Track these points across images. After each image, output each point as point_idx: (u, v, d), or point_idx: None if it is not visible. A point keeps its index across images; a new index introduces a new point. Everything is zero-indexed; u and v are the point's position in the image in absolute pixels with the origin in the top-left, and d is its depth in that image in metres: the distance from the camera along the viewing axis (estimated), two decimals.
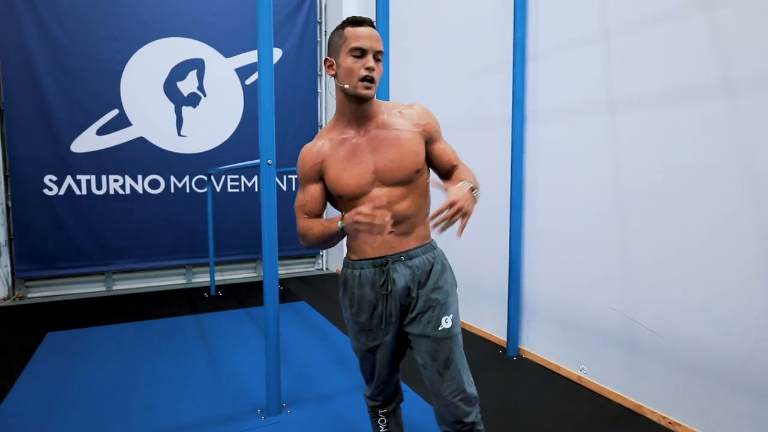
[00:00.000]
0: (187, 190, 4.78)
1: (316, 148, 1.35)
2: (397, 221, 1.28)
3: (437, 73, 3.66)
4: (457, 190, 1.15)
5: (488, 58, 3.10)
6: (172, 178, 4.70)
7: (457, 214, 1.12)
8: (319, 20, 5.26)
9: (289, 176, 5.28)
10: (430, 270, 1.35)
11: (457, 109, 3.42)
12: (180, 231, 4.77)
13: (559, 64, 2.56)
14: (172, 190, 4.72)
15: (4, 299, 4.21)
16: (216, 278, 4.66)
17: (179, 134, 4.70)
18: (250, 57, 4.92)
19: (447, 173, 1.39)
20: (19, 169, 4.17)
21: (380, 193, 1.28)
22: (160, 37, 4.52)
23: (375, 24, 1.26)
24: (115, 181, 4.49)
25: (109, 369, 2.71)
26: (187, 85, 4.69)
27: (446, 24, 3.55)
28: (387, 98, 2.36)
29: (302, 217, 1.38)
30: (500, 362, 2.77)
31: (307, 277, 5.25)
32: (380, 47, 1.24)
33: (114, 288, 4.65)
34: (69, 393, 2.41)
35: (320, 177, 1.35)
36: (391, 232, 1.22)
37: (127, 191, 4.53)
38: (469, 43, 3.30)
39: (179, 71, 4.65)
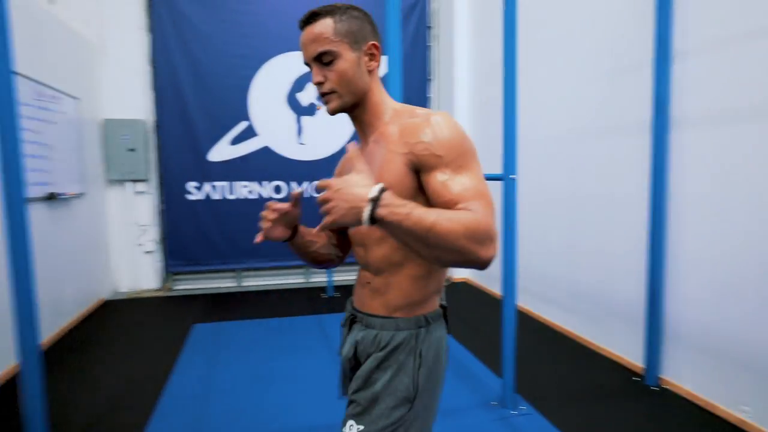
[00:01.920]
0: (306, 195, 5.08)
1: (345, 157, 1.15)
2: (375, 271, 1.01)
3: (563, 74, 3.46)
4: (348, 182, 0.77)
5: (622, 56, 2.86)
6: (293, 184, 5.04)
7: (321, 205, 0.78)
8: (429, 25, 5.26)
9: None
10: (372, 352, 0.99)
11: (584, 113, 3.21)
12: None
13: (714, 63, 2.27)
14: None
15: (157, 290, 4.84)
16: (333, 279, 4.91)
17: (299, 142, 5.02)
18: None
19: None
20: (169, 177, 4.75)
21: (363, 228, 0.93)
22: (282, 52, 4.85)
23: (335, 12, 0.93)
24: (244, 186, 4.93)
25: (247, 362, 2.98)
26: (306, 95, 4.98)
27: (573, 21, 3.34)
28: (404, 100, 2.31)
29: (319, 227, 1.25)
30: (638, 392, 2.54)
31: None
32: (319, 48, 0.92)
33: (243, 284, 5.11)
34: (216, 383, 2.70)
35: None
36: (368, 283, 1.03)
37: (255, 196, 4.95)
38: (599, 41, 3.07)
39: (300, 83, 4.95)
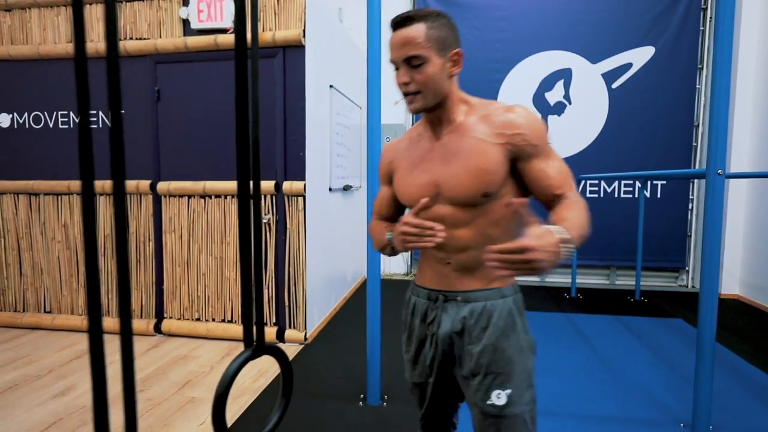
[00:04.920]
0: None
1: (393, 146, 1.22)
2: (457, 250, 1.08)
3: None
4: (541, 236, 0.84)
5: None
6: None
7: (525, 265, 0.82)
8: (704, 6, 4.67)
9: (654, 182, 4.91)
10: (487, 324, 1.07)
11: None
12: None
13: None
14: None
15: (405, 275, 5.47)
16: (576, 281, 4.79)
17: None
18: (618, 60, 4.81)
19: (547, 204, 1.06)
20: None
21: (443, 211, 1.07)
22: (532, 53, 4.94)
23: (428, 18, 0.99)
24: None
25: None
26: (555, 94, 4.96)
27: None
28: None
29: (374, 217, 1.30)
30: None
31: (668, 293, 4.78)
32: (410, 52, 0.99)
33: None
34: None
35: (390, 179, 1.21)
36: (448, 263, 1.09)
37: None
38: None
39: (547, 82, 4.96)
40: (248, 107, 0.82)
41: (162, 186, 3.25)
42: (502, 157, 1.01)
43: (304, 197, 3.13)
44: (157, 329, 3.34)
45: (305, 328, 3.21)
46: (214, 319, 3.31)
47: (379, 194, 1.27)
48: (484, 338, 1.07)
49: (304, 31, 2.99)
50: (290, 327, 3.22)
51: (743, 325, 3.73)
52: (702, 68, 4.74)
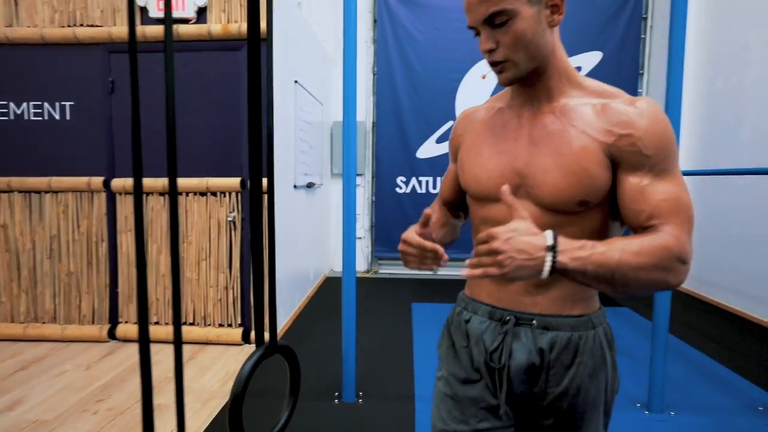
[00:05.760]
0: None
1: (468, 116, 0.98)
2: None
3: None
4: (518, 230, 0.68)
5: None
6: None
7: (488, 257, 0.68)
8: (644, 15, 5.00)
9: None
10: (572, 360, 0.84)
11: None
12: None
13: None
14: None
15: (365, 272, 5.48)
16: None
17: None
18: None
19: (636, 229, 0.77)
20: (381, 172, 5.34)
21: (525, 208, 0.81)
22: None
23: None
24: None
25: None
26: None
27: None
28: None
29: (438, 199, 1.09)
30: None
31: None
32: (491, 8, 0.75)
33: (438, 273, 5.48)
34: None
35: (457, 155, 0.98)
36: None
37: None
38: None
39: None
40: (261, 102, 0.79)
41: (117, 183, 3.07)
42: (604, 158, 0.76)
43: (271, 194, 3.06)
44: (111, 335, 3.16)
45: None
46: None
47: (446, 172, 1.05)
48: (566, 379, 0.83)
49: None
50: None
51: (691, 315, 4.05)
52: (643, 73, 5.08)
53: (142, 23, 3.00)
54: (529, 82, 0.82)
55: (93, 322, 3.19)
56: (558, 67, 0.81)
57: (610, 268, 0.67)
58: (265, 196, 2.92)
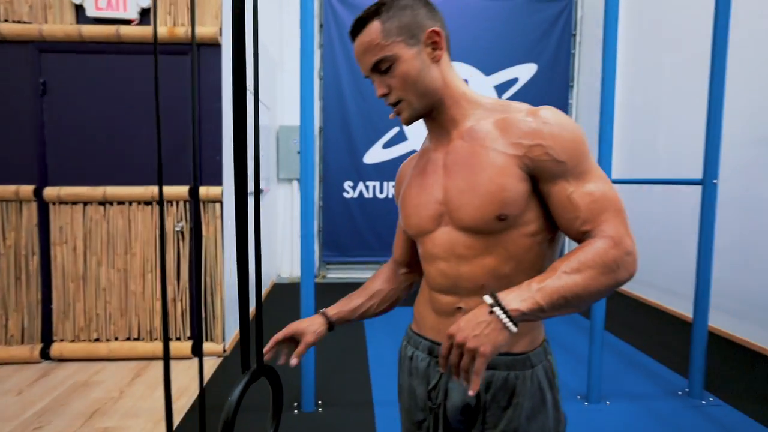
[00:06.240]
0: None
1: (407, 165, 1.01)
2: (469, 292, 0.83)
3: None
4: (465, 319, 0.68)
5: None
6: None
7: (461, 353, 0.67)
8: (573, 32, 5.38)
9: None
10: (509, 402, 0.82)
11: None
12: None
13: None
14: None
15: (314, 277, 5.44)
16: None
17: None
18: (507, 74, 5.33)
19: (576, 237, 0.77)
20: (329, 177, 5.34)
21: (449, 237, 0.83)
22: None
23: (380, 11, 0.81)
24: (393, 186, 5.38)
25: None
26: None
27: None
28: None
29: (389, 263, 1.13)
30: None
31: None
32: (373, 58, 0.81)
33: None
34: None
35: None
36: (458, 308, 0.84)
37: None
38: None
39: None
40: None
41: (50, 192, 2.86)
42: (518, 171, 0.77)
43: (222, 203, 2.99)
44: (45, 355, 2.94)
45: (223, 340, 3.07)
46: (117, 338, 3.00)
47: (396, 229, 1.07)
48: (503, 421, 0.82)
49: (221, 29, 2.85)
50: (207, 340, 3.06)
51: (621, 312, 4.41)
52: (573, 86, 5.47)
53: (77, 22, 2.81)
54: (432, 116, 0.86)
55: (23, 342, 2.95)
56: (454, 96, 0.84)
57: (561, 294, 0.67)
58: (216, 204, 2.84)
